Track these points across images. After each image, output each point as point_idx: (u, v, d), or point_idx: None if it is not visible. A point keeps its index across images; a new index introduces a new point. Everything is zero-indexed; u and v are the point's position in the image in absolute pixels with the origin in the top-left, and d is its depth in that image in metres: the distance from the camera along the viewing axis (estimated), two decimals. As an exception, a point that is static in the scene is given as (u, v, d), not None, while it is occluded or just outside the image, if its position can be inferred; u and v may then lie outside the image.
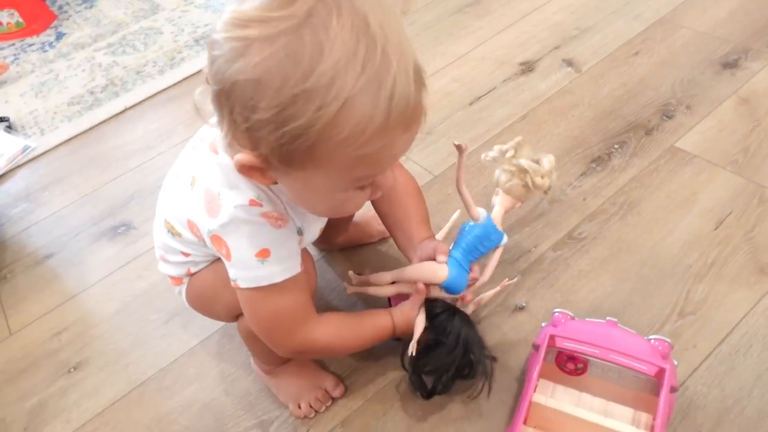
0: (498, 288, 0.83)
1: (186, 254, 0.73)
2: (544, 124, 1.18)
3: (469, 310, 0.80)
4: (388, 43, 0.47)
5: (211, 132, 0.63)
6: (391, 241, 0.86)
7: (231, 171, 0.60)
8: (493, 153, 0.80)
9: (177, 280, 0.79)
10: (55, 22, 1.85)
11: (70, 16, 1.88)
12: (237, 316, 0.76)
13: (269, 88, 0.47)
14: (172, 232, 0.72)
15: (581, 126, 1.16)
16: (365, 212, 0.98)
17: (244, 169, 0.55)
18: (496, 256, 0.80)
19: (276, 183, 0.59)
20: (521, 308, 0.89)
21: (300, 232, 0.69)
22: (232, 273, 0.65)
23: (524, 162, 0.77)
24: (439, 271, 0.75)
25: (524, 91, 1.27)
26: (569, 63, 1.31)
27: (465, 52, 1.40)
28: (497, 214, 0.80)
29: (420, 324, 0.74)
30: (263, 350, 0.74)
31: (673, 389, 0.69)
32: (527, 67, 1.32)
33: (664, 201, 1.00)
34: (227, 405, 0.85)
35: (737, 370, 0.78)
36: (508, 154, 0.78)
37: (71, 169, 1.32)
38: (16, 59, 1.71)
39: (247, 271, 0.64)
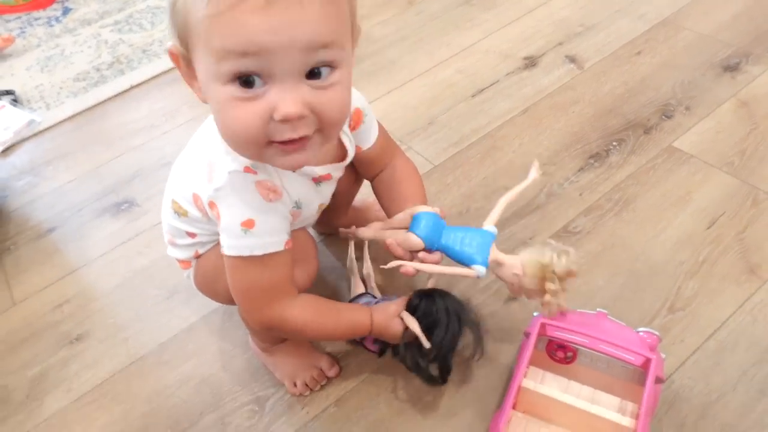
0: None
1: (192, 235, 0.75)
2: (544, 119, 1.20)
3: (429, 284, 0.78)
4: None
5: None
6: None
7: None
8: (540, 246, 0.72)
9: (186, 263, 0.81)
10: (62, -2, 1.85)
11: (77, -9, 1.88)
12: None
13: None
14: (179, 212, 0.73)
15: (581, 122, 1.18)
16: (365, 198, 1.00)
17: (177, 63, 0.61)
18: (462, 271, 0.72)
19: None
20: (515, 298, 0.91)
21: (298, 206, 0.70)
22: (222, 239, 0.66)
23: (557, 262, 0.69)
24: (419, 210, 0.74)
25: (526, 85, 1.28)
26: (572, 59, 1.32)
27: (470, 44, 1.41)
28: (499, 253, 0.73)
29: (412, 320, 0.74)
30: (261, 328, 0.76)
31: (659, 380, 0.71)
32: (530, 62, 1.34)
33: (659, 199, 1.02)
34: (225, 380, 0.87)
35: (723, 365, 0.81)
36: (551, 254, 0.70)
37: (76, 145, 1.33)
38: (22, 32, 1.71)
39: (232, 239, 0.65)
